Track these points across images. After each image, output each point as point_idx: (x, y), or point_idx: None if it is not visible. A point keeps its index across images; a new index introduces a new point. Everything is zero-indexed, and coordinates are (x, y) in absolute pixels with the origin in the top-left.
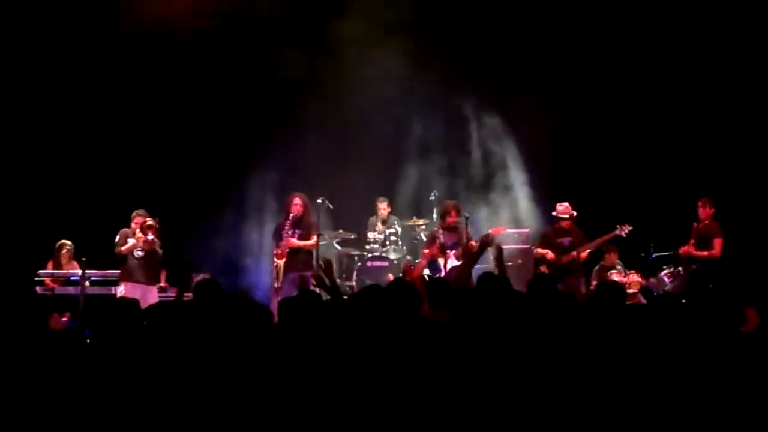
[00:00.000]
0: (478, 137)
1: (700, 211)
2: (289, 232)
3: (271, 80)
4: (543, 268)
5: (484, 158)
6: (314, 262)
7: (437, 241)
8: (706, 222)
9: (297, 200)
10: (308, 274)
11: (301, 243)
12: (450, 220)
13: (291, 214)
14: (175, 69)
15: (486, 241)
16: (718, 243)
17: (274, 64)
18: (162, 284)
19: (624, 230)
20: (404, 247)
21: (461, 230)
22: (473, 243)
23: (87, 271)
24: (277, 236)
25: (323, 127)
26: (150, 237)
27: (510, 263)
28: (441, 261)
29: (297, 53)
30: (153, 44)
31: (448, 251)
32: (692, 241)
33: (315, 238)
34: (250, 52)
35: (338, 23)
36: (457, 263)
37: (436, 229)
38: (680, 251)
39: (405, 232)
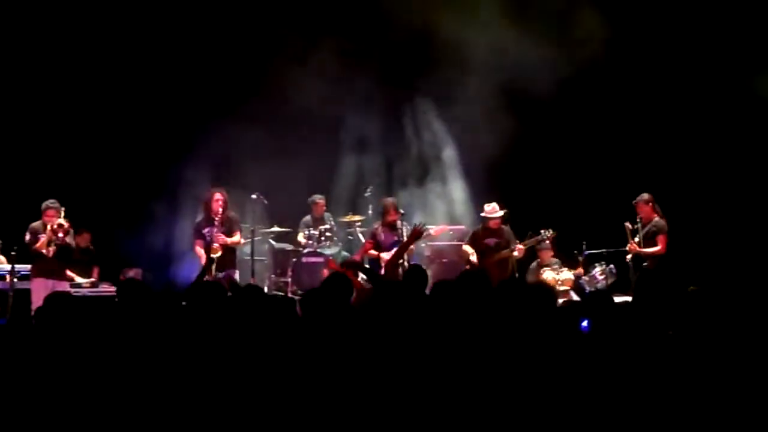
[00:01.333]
0: (415, 134)
1: (641, 208)
2: (216, 230)
3: (207, 73)
4: (468, 268)
5: (420, 155)
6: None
7: (377, 239)
8: (650, 219)
9: (218, 196)
10: (234, 272)
11: (230, 241)
12: (390, 218)
13: (214, 211)
14: (108, 59)
15: (417, 232)
16: (662, 240)
17: (210, 56)
18: (93, 279)
19: (547, 235)
20: (340, 243)
21: (401, 229)
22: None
23: (16, 266)
24: (199, 234)
25: (259, 122)
26: (60, 235)
27: (444, 260)
28: (382, 259)
29: (235, 46)
30: (83, 30)
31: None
32: (636, 239)
33: (240, 233)
34: (187, 42)
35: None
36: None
37: (376, 226)
38: (630, 248)
39: (340, 229)
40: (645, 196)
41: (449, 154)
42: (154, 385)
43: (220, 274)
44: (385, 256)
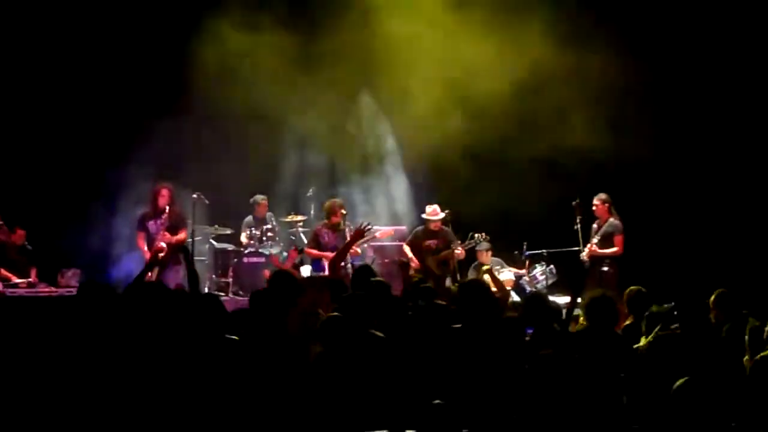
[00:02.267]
0: (358, 135)
1: (596, 209)
2: (161, 227)
3: (147, 71)
4: (409, 270)
5: (362, 156)
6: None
7: (320, 239)
8: (606, 220)
9: (164, 191)
10: (179, 268)
11: (175, 238)
12: (335, 219)
13: (160, 207)
14: (44, 55)
15: (360, 233)
16: (618, 240)
17: (149, 54)
18: (31, 279)
19: (480, 239)
20: (281, 244)
21: (345, 230)
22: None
23: None
24: (143, 227)
25: (201, 121)
26: None
27: (386, 260)
28: (324, 261)
29: (176, 43)
30: (14, 28)
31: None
32: (593, 240)
33: (186, 231)
34: (127, 40)
35: (220, 16)
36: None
37: (319, 227)
38: (582, 255)
39: (282, 229)
40: (602, 195)
41: (393, 154)
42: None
43: (167, 270)
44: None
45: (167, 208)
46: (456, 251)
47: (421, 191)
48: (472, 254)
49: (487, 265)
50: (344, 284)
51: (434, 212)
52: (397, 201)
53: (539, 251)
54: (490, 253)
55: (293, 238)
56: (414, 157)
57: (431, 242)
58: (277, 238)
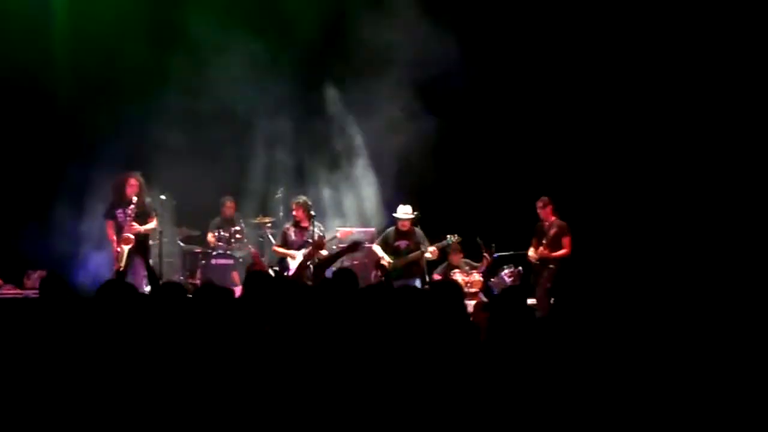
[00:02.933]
0: (327, 135)
1: (540, 211)
2: (129, 217)
3: (114, 69)
4: (378, 272)
5: (332, 156)
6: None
7: (287, 238)
8: (552, 221)
9: (133, 181)
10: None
11: (143, 229)
12: (301, 218)
13: (128, 196)
14: (13, 52)
15: (355, 247)
16: (566, 242)
17: (116, 52)
18: None
19: (452, 240)
20: (250, 245)
21: (312, 230)
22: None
23: None
24: (111, 216)
25: (168, 120)
26: None
27: (356, 262)
28: (290, 260)
29: (143, 43)
30: None
31: (297, 250)
32: (543, 242)
33: (155, 221)
34: (91, 36)
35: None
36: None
37: (287, 226)
38: (530, 257)
39: (250, 230)
40: (545, 198)
41: (362, 154)
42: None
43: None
44: (295, 259)
45: (135, 197)
46: (427, 253)
47: (391, 191)
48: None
49: (457, 265)
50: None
51: (403, 211)
52: (367, 201)
53: (507, 253)
54: (460, 255)
55: (261, 239)
56: (384, 156)
57: (402, 242)
58: (245, 240)
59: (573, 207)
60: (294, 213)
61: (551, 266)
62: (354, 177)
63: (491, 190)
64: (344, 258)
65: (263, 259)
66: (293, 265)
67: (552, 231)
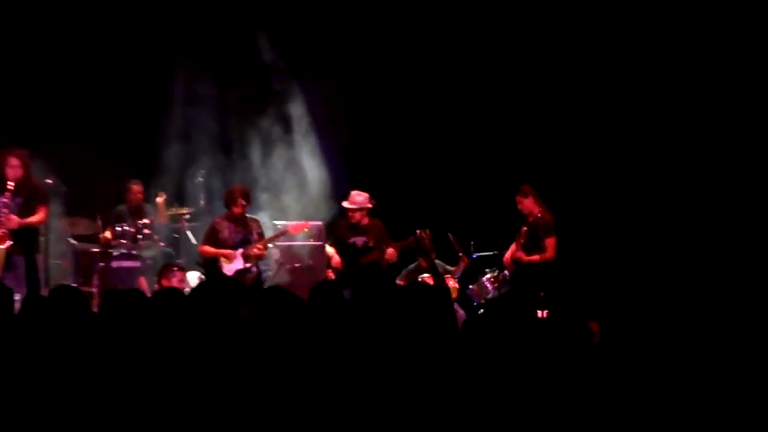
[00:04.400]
0: (261, 107)
1: (521, 205)
2: (10, 205)
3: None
4: (330, 273)
5: (265, 133)
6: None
7: (218, 235)
8: (535, 215)
9: (14, 161)
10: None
11: (30, 220)
12: (236, 210)
13: (10, 178)
14: None
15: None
16: (550, 243)
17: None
18: None
19: (423, 235)
20: (162, 243)
21: (251, 224)
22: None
23: None
24: None
25: (54, 82)
26: None
27: (297, 264)
28: (223, 262)
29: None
30: None
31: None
32: (521, 242)
33: (44, 211)
34: None
35: None
36: (247, 265)
37: (218, 219)
38: (504, 258)
39: (163, 224)
40: (525, 187)
41: (306, 134)
42: None
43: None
44: (232, 262)
45: (18, 181)
46: (388, 252)
47: (342, 179)
48: (409, 255)
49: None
50: None
51: (354, 200)
52: (311, 190)
53: (490, 252)
54: (433, 254)
55: (177, 235)
56: (334, 138)
57: (358, 239)
58: (156, 236)
59: (568, 200)
60: (225, 202)
61: (527, 274)
62: (296, 159)
63: (470, 173)
64: (284, 262)
65: (179, 262)
66: (229, 269)
67: (532, 228)
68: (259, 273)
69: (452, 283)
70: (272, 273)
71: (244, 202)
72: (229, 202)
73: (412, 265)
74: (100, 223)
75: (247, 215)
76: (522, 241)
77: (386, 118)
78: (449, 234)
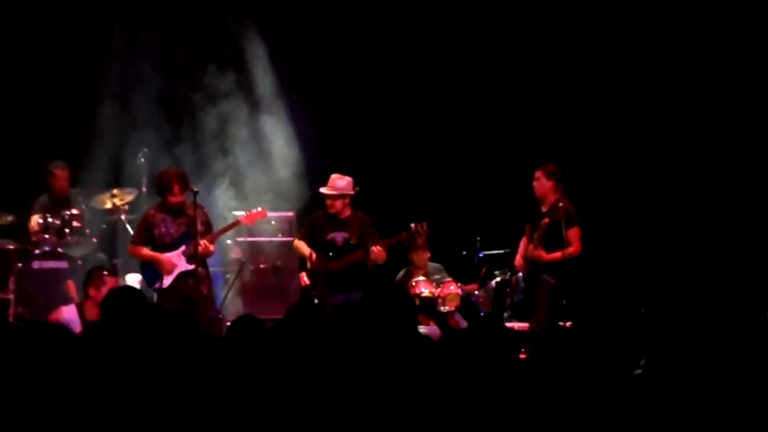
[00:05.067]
0: (218, 69)
1: (537, 186)
2: None
3: None
4: (303, 277)
5: (222, 100)
6: None
7: (153, 230)
8: (552, 204)
9: None
10: None
11: None
12: (173, 199)
13: None
14: None
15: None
16: (574, 235)
17: None
18: None
19: (419, 229)
20: (94, 239)
21: (194, 212)
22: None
23: None
24: None
25: None
26: None
27: (262, 265)
28: (162, 265)
29: None
30: None
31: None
32: (536, 237)
33: None
34: None
35: None
36: (189, 267)
37: (152, 212)
38: (516, 261)
39: (96, 216)
40: (547, 166)
41: (274, 101)
42: None
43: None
44: (172, 271)
45: None
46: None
47: (319, 162)
48: (400, 255)
49: (421, 271)
50: None
51: (335, 185)
52: (279, 174)
53: (500, 251)
54: (427, 254)
55: (104, 227)
56: (307, 113)
57: (338, 235)
58: (88, 231)
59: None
60: (161, 190)
61: (547, 276)
62: (261, 136)
63: (475, 153)
64: (246, 262)
65: (116, 263)
66: (170, 274)
67: (551, 218)
68: (208, 275)
69: (454, 289)
70: (231, 275)
71: (180, 189)
72: (163, 189)
73: (402, 271)
74: (10, 218)
75: (190, 201)
76: (538, 235)
77: (374, 84)
78: (477, 238)
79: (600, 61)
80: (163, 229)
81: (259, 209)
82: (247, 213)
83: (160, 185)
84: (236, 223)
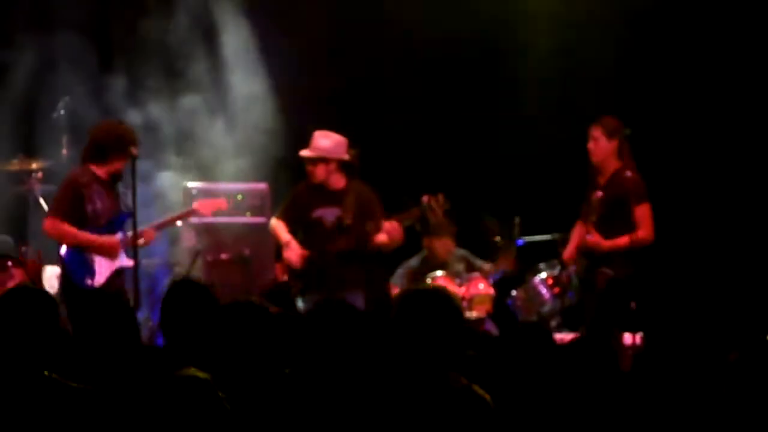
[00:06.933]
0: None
1: (594, 145)
2: None
3: None
4: (279, 270)
5: (169, 34)
6: None
7: (84, 205)
8: (614, 174)
9: None
10: None
11: None
12: (113, 164)
13: None
14: None
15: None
16: (644, 214)
17: None
18: None
19: (434, 204)
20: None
21: (123, 190)
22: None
23: None
24: None
25: None
26: None
27: (225, 255)
28: (94, 256)
29: None
30: None
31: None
32: (592, 219)
33: None
34: None
35: None
36: (129, 263)
37: (81, 181)
38: (566, 253)
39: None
40: (610, 121)
41: (240, 36)
42: None
43: None
44: (113, 254)
45: None
46: (383, 235)
47: (305, 111)
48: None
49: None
50: None
51: (318, 144)
52: (248, 130)
53: (545, 236)
54: (451, 240)
55: (22, 202)
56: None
57: (326, 212)
58: None
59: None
60: (95, 153)
61: (606, 269)
62: (223, 84)
63: (511, 108)
64: (202, 250)
65: (25, 251)
66: (102, 266)
67: (610, 192)
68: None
69: (483, 287)
70: (181, 270)
71: (126, 151)
72: (114, 148)
73: (413, 259)
74: None
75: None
76: (595, 216)
77: (377, 26)
78: (483, 214)
79: None
80: (99, 205)
81: (220, 198)
82: (206, 201)
83: (108, 143)
84: (189, 213)
